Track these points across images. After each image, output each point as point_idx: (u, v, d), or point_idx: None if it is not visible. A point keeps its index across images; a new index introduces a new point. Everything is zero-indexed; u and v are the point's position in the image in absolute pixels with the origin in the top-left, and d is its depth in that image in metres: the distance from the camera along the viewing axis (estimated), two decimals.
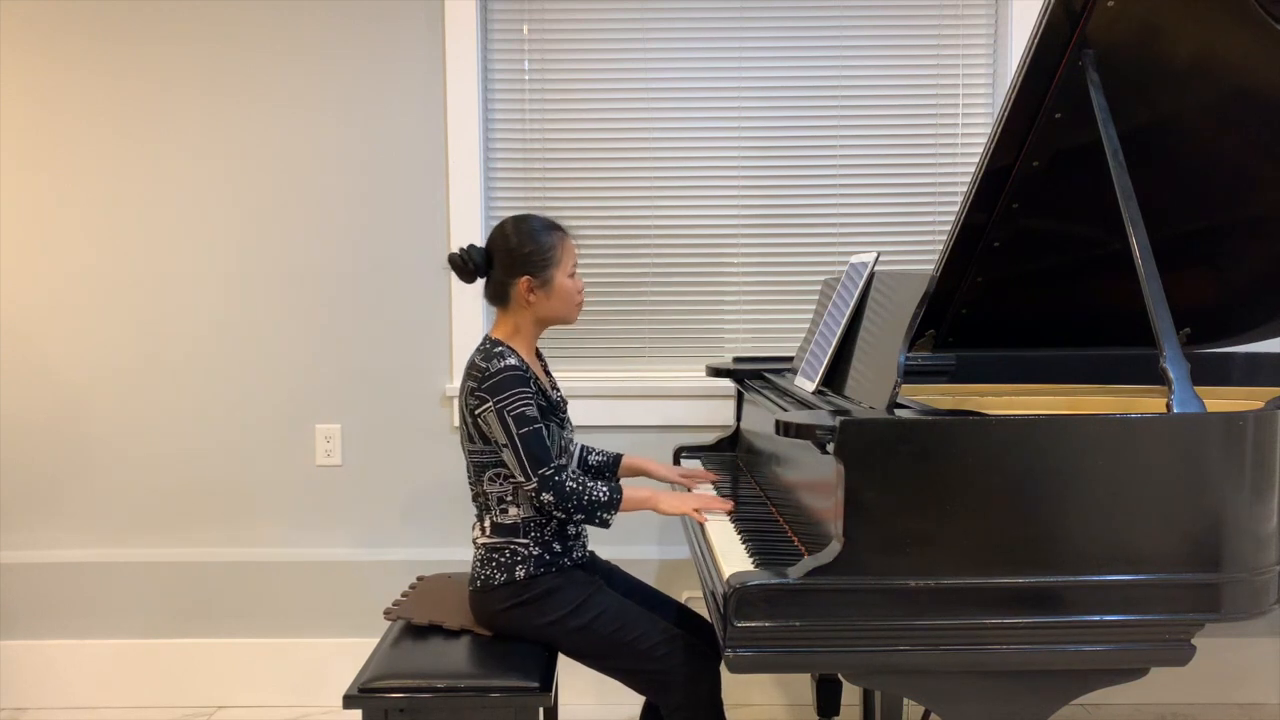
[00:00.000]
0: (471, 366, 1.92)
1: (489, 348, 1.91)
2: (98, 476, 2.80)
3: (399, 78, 2.71)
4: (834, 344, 1.95)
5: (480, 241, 2.71)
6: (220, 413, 2.78)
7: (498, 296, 1.98)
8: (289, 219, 2.75)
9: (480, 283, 2.03)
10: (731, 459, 2.49)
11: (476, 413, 1.88)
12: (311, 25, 2.70)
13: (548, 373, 2.12)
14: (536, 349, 2.07)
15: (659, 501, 1.93)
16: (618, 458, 2.26)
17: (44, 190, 2.74)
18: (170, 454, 2.79)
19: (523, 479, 1.85)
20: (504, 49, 2.77)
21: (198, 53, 2.71)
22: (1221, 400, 1.88)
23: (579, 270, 2.01)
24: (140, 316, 2.76)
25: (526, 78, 2.78)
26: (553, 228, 1.96)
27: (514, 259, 1.93)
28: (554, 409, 1.98)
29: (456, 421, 2.76)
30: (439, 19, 2.69)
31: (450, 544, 2.78)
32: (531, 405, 1.86)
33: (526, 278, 1.92)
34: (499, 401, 1.84)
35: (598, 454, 2.25)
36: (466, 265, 1.97)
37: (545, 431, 1.89)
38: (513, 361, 1.87)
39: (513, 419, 1.83)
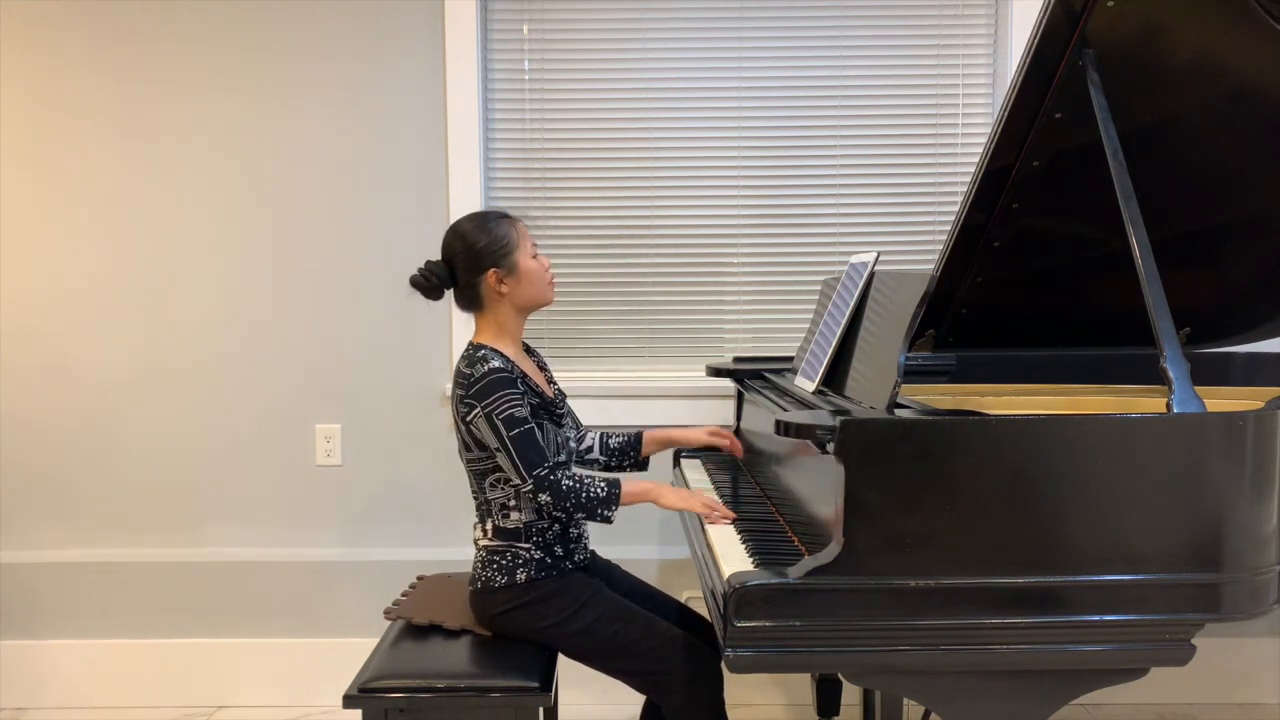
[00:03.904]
0: (457, 374, 1.91)
1: (471, 353, 1.90)
2: (98, 476, 2.79)
3: (399, 78, 2.71)
4: (834, 344, 1.95)
5: None
6: (220, 412, 2.78)
7: (471, 302, 1.96)
8: (289, 219, 2.75)
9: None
10: (731, 459, 2.49)
11: (468, 420, 1.86)
12: (312, 25, 2.70)
13: (543, 368, 2.10)
14: (526, 345, 2.06)
15: (660, 495, 1.88)
16: (639, 435, 2.21)
17: (42, 190, 2.73)
18: (170, 454, 2.79)
19: (519, 481, 1.84)
20: (504, 49, 2.77)
21: (198, 53, 2.71)
22: (1221, 400, 1.88)
23: (540, 251, 1.99)
24: (140, 316, 2.76)
25: (526, 78, 2.78)
26: (500, 215, 1.95)
27: (473, 257, 1.91)
28: (548, 406, 1.96)
29: None
30: (439, 19, 2.69)
31: (450, 544, 2.78)
32: (521, 406, 1.84)
33: (492, 270, 1.91)
34: (486, 405, 1.82)
35: (618, 436, 2.20)
36: (430, 281, 1.94)
37: (539, 431, 1.88)
38: (496, 364, 1.85)
39: (502, 421, 1.81)
